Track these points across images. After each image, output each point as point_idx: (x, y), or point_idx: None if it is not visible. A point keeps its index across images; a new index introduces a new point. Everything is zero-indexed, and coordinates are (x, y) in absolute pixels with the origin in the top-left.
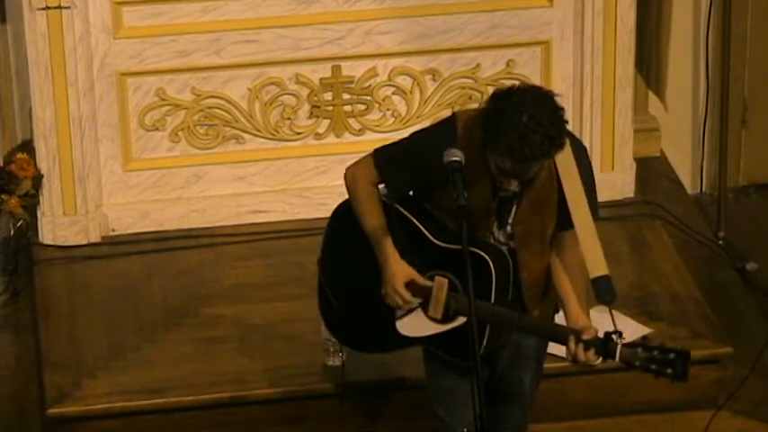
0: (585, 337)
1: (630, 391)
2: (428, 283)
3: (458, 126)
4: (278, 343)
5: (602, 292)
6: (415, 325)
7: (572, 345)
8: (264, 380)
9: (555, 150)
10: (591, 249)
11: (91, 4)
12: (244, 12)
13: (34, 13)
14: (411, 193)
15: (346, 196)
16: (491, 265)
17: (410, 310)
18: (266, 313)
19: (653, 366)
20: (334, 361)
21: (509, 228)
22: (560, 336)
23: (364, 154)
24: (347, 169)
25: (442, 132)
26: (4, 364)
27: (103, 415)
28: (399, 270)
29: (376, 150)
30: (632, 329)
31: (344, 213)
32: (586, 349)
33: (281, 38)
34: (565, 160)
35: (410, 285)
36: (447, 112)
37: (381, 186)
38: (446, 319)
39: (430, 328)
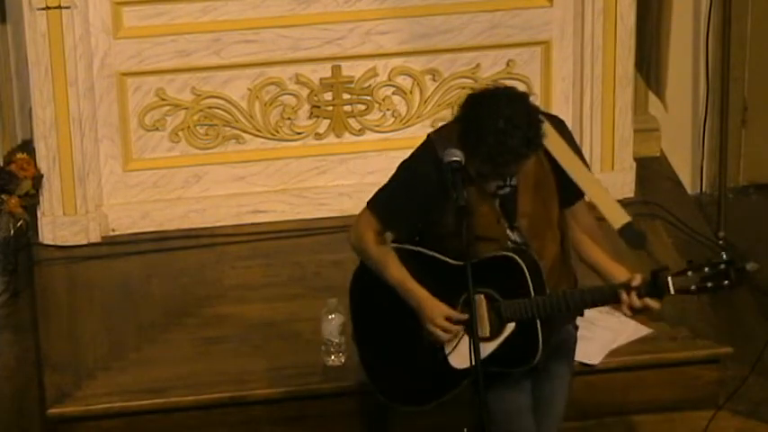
0: (635, 283)
1: (630, 391)
2: (463, 315)
3: (436, 146)
4: (278, 343)
5: (630, 239)
6: (467, 353)
7: (625, 297)
8: (264, 380)
9: (533, 150)
10: (608, 205)
11: (91, 4)
12: (244, 12)
13: (34, 13)
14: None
15: (347, 196)
16: (520, 263)
17: (457, 343)
18: (266, 313)
19: (709, 284)
20: (334, 361)
21: (518, 223)
22: (610, 294)
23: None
24: (350, 234)
25: (422, 157)
26: (4, 364)
27: (103, 415)
28: (436, 308)
29: (368, 202)
30: (632, 329)
31: (359, 283)
32: (640, 296)
33: (281, 38)
34: (551, 139)
35: (448, 320)
36: (446, 113)
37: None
38: (494, 333)
39: (484, 350)
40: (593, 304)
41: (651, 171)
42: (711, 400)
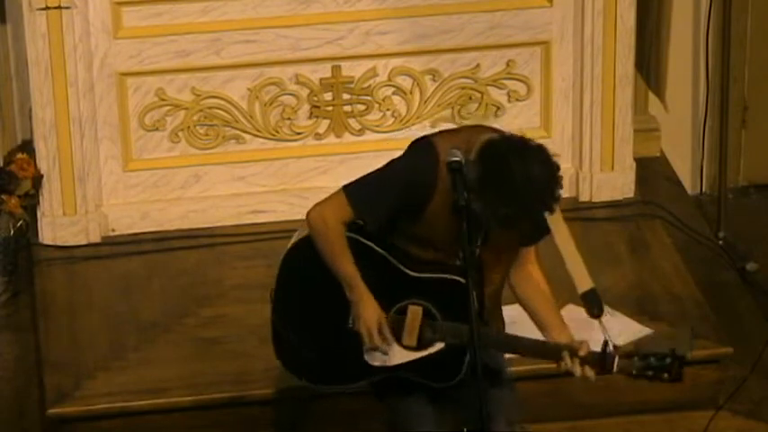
0: (582, 353)
1: (630, 391)
2: (389, 336)
3: (439, 151)
4: None
5: (591, 305)
6: (383, 355)
7: (568, 361)
8: (264, 380)
9: (552, 212)
10: (575, 265)
11: (91, 4)
12: (244, 12)
13: (34, 13)
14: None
15: None
16: (470, 290)
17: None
18: (266, 313)
19: (649, 373)
20: None
21: (477, 250)
22: (553, 353)
23: (333, 191)
24: (312, 210)
25: (422, 162)
26: (4, 364)
27: (103, 415)
28: (374, 313)
29: (345, 187)
30: (633, 330)
31: (297, 255)
32: (582, 365)
33: (281, 38)
34: None
35: (381, 327)
36: (446, 113)
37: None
38: (421, 346)
39: (403, 356)
40: (532, 355)
41: (651, 171)
42: (711, 400)
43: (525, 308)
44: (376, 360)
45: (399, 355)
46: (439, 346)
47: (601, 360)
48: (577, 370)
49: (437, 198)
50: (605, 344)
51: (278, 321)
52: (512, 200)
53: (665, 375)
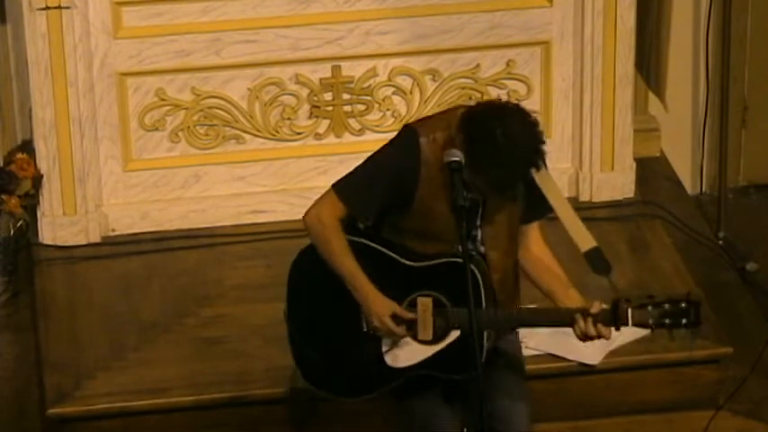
0: (594, 311)
1: (630, 391)
2: (411, 315)
3: (420, 137)
4: (278, 343)
5: (596, 264)
6: (405, 354)
7: (581, 322)
8: (264, 380)
9: (541, 166)
10: (574, 226)
11: (91, 4)
12: (244, 12)
13: (34, 13)
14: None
15: None
16: (476, 272)
17: (396, 342)
18: (266, 313)
19: (667, 321)
20: None
21: (478, 232)
22: (566, 317)
23: (324, 191)
24: (307, 213)
25: (403, 146)
26: (4, 364)
27: (103, 415)
28: (383, 305)
29: (335, 185)
30: (632, 330)
31: (303, 263)
32: (596, 323)
33: (281, 38)
34: None
35: (394, 318)
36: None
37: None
38: (437, 338)
39: (423, 352)
40: (545, 325)
41: (651, 171)
42: (711, 400)
43: (539, 287)
44: (399, 361)
45: (419, 352)
46: (455, 334)
47: (614, 315)
48: (592, 330)
49: (423, 184)
50: (617, 299)
51: (303, 344)
52: (498, 161)
53: (684, 321)
